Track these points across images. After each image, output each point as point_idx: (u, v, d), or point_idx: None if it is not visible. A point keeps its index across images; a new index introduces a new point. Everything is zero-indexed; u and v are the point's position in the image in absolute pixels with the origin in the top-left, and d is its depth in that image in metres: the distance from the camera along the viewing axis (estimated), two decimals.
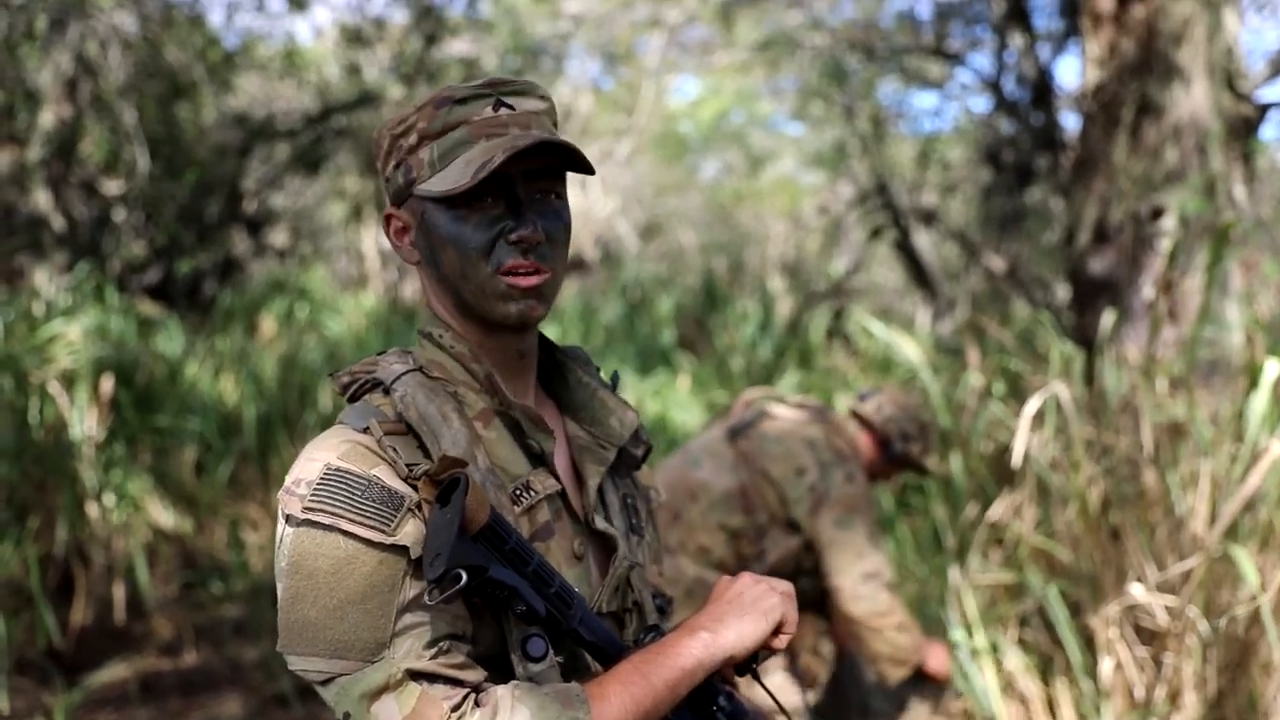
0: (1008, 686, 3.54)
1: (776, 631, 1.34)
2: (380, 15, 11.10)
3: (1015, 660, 3.51)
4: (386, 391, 1.31)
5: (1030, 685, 3.48)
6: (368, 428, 1.26)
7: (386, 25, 11.13)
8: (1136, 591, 3.16)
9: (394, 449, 1.24)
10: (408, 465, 1.23)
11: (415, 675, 1.18)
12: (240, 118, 9.94)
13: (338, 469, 1.21)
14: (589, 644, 1.28)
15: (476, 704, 1.19)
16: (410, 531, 1.20)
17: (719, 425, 3.31)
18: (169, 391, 6.28)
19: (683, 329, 10.79)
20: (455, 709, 1.17)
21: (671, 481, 3.11)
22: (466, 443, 1.28)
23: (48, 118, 8.11)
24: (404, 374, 1.31)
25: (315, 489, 1.20)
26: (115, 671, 4.65)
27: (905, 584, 4.49)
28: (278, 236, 12.14)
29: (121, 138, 8.63)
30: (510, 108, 1.34)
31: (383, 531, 1.19)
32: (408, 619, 1.19)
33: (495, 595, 1.20)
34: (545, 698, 1.19)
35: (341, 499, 1.20)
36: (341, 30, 10.90)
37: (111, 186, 8.82)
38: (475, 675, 1.21)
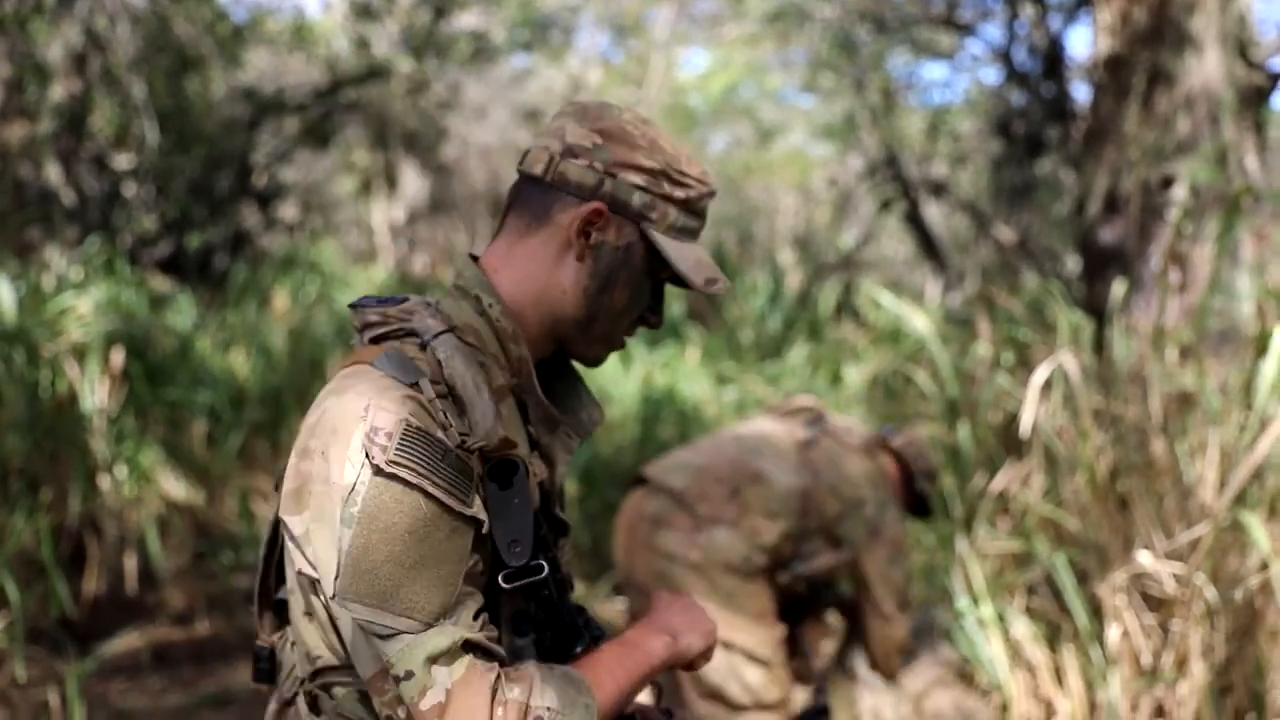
0: (1015, 655, 3.55)
1: (706, 654, 1.48)
2: None
3: (1022, 629, 3.52)
4: (423, 346, 1.31)
5: (1037, 653, 3.49)
6: (416, 384, 1.26)
7: None
8: (1144, 559, 3.16)
9: (445, 414, 1.26)
10: (460, 435, 1.25)
11: (467, 645, 1.22)
12: (249, 92, 9.92)
13: (419, 428, 1.22)
14: (565, 625, 1.37)
15: (510, 679, 1.23)
16: (479, 504, 1.25)
17: (775, 424, 3.34)
18: (180, 364, 6.30)
19: (692, 301, 10.77)
20: (495, 680, 1.22)
21: (732, 459, 3.14)
22: (493, 419, 1.30)
23: (57, 92, 8.11)
24: (441, 333, 1.32)
25: (401, 442, 1.20)
26: (128, 641, 4.69)
27: (912, 554, 4.50)
28: (288, 210, 12.14)
29: (131, 112, 8.62)
30: None
31: (462, 501, 1.22)
32: (466, 587, 1.24)
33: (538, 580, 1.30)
34: (562, 680, 1.26)
35: (426, 460, 1.21)
36: (350, 4, 10.87)
37: (121, 161, 8.82)
38: (500, 650, 1.26)
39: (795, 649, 3.40)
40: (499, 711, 1.20)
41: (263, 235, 10.52)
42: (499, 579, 1.26)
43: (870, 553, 3.19)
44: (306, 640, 1.29)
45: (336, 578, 1.21)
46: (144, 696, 4.34)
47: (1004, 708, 3.50)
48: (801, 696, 3.52)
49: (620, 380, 7.43)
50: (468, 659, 1.20)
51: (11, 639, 4.07)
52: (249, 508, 5.80)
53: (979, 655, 3.53)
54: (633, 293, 1.42)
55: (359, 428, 1.21)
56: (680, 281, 1.43)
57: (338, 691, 1.29)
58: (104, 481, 5.14)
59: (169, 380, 6.02)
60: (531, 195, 1.40)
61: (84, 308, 5.72)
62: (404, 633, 1.19)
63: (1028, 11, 7.86)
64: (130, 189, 8.85)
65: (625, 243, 1.39)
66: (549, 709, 1.22)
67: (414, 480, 1.20)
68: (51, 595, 4.51)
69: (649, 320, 1.47)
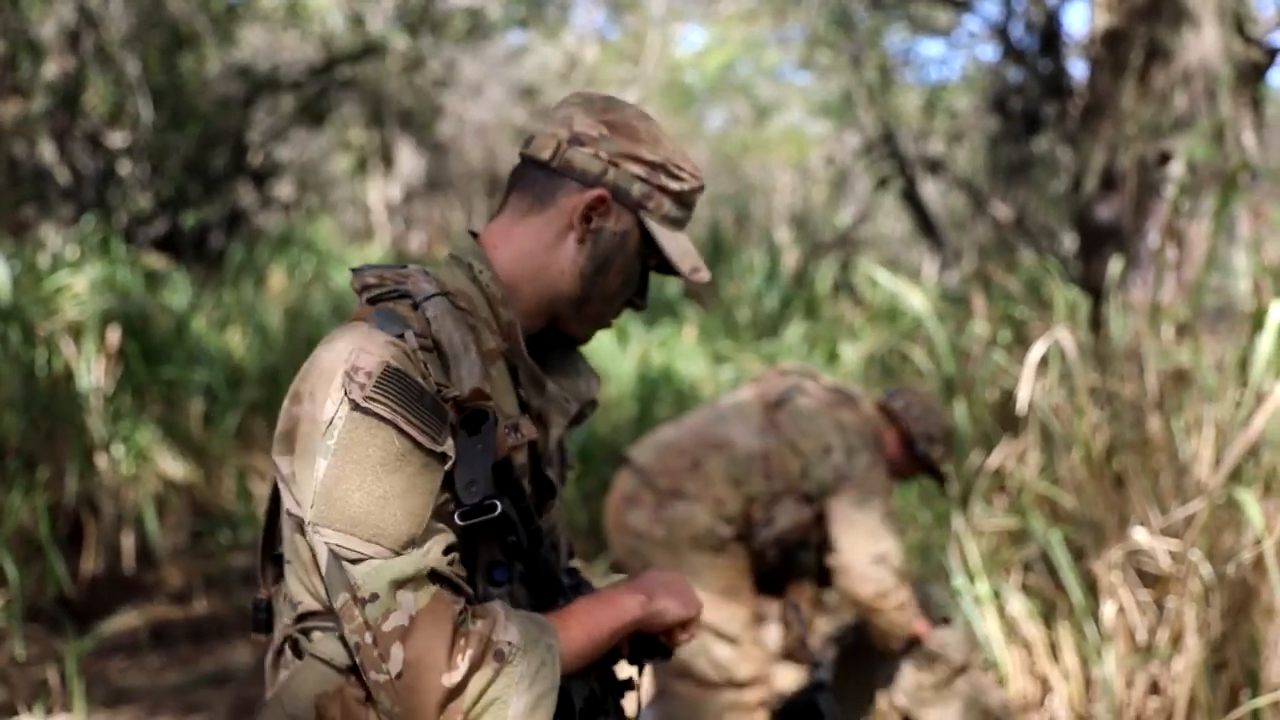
0: (1010, 632, 3.56)
1: (685, 626, 1.49)
2: None
3: (1018, 606, 3.54)
4: (415, 306, 1.37)
5: (1033, 630, 3.50)
6: (402, 335, 1.32)
7: None
8: (1139, 536, 3.17)
9: (425, 364, 1.32)
10: (437, 384, 1.32)
11: (434, 575, 1.26)
12: (244, 69, 9.88)
13: (397, 369, 1.29)
14: (542, 578, 1.42)
15: (475, 615, 1.28)
16: (450, 444, 1.30)
17: (751, 389, 3.32)
18: (176, 343, 6.29)
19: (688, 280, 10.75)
20: (460, 613, 1.26)
21: (696, 430, 3.14)
22: (480, 377, 1.37)
23: (51, 69, 8.08)
24: (433, 295, 1.38)
25: (378, 381, 1.28)
26: (126, 620, 4.70)
27: (908, 531, 4.50)
28: (283, 189, 12.10)
29: (125, 89, 8.59)
30: None
31: (434, 439, 1.28)
32: (435, 523, 1.28)
33: (496, 524, 1.33)
34: (527, 620, 1.31)
35: (401, 398, 1.28)
36: None
37: (116, 139, 8.78)
38: (468, 588, 1.30)
39: (789, 623, 3.39)
40: (460, 641, 1.25)
41: (258, 214, 10.49)
42: (455, 517, 1.30)
43: (836, 498, 3.09)
44: (290, 587, 1.36)
45: (312, 506, 1.28)
46: (142, 674, 4.35)
47: (1000, 684, 3.51)
48: (793, 674, 3.52)
49: (617, 359, 7.44)
50: (434, 589, 1.25)
51: (10, 617, 4.08)
52: (246, 486, 5.80)
53: (975, 632, 3.54)
54: (626, 277, 1.50)
55: (342, 368, 1.30)
56: (669, 269, 1.52)
57: (315, 635, 1.34)
58: (101, 460, 5.14)
59: (165, 359, 6.02)
60: (536, 178, 1.48)
61: (79, 286, 5.71)
62: (372, 558, 1.24)
63: None
64: (125, 167, 8.81)
65: (623, 229, 1.48)
66: (510, 644, 1.27)
67: (388, 415, 1.26)
68: (49, 574, 4.52)
69: (635, 303, 1.55)
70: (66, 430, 5.01)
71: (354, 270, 1.44)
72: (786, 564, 3.24)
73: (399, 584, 1.24)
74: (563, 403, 1.51)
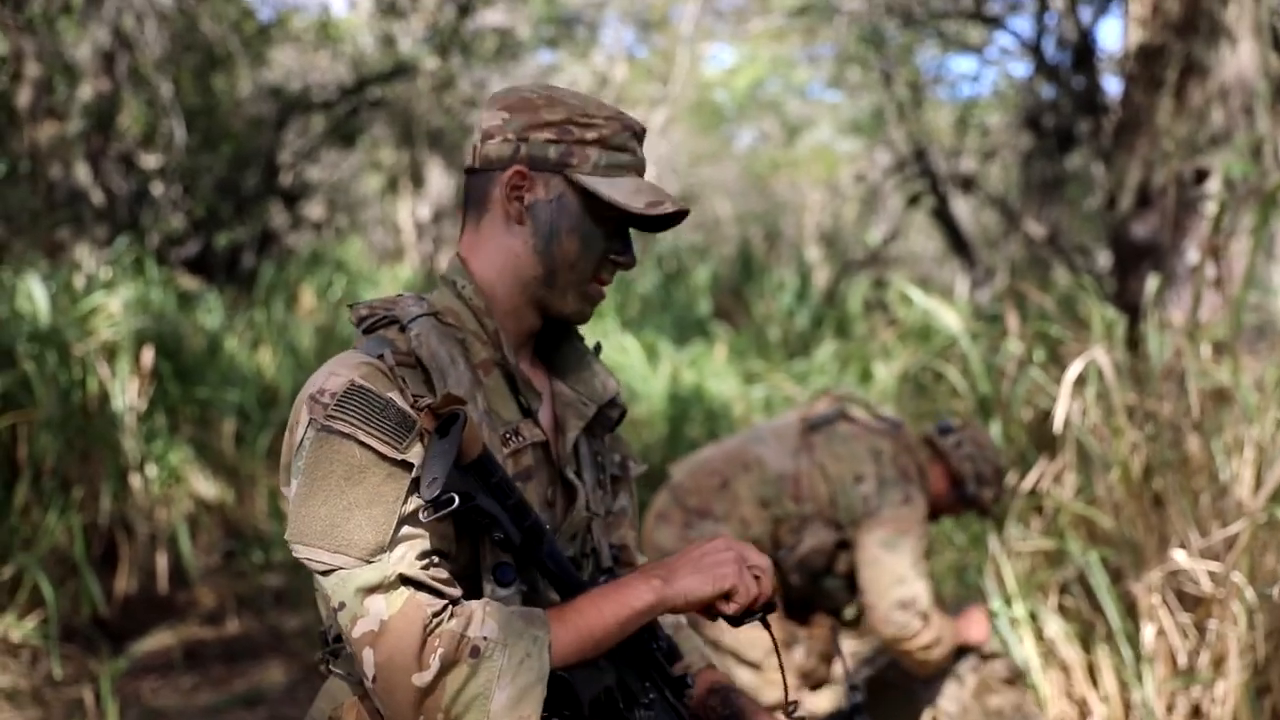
0: (1048, 654, 3.52)
1: (728, 597, 1.43)
2: None
3: (1056, 628, 3.49)
4: (402, 329, 1.43)
5: (1071, 653, 3.46)
6: (382, 355, 1.39)
7: None
8: (1179, 558, 3.13)
9: (404, 379, 1.37)
10: (414, 395, 1.36)
11: (405, 580, 1.30)
12: (276, 90, 9.95)
13: (360, 386, 1.35)
14: (552, 574, 1.42)
15: (453, 615, 1.30)
16: (418, 452, 1.33)
17: (797, 413, 3.29)
18: (209, 363, 6.32)
19: (719, 299, 10.76)
20: (435, 615, 1.29)
21: (730, 450, 3.13)
22: (469, 385, 1.43)
23: (86, 91, 8.15)
24: (420, 316, 1.44)
25: (339, 400, 1.34)
26: (160, 639, 4.72)
27: (944, 553, 4.46)
28: (314, 209, 12.18)
29: (159, 111, 8.66)
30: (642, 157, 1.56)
31: (395, 448, 1.32)
32: (406, 530, 1.31)
33: (478, 521, 1.35)
34: (511, 615, 1.33)
35: (362, 413, 1.33)
36: (376, 1, 10.89)
37: (149, 160, 8.86)
38: (455, 591, 1.33)
39: (824, 647, 3.35)
40: (433, 640, 1.28)
41: (289, 234, 10.55)
42: (418, 513, 1.31)
43: (864, 533, 3.02)
44: (321, 611, 1.43)
45: (288, 524, 1.34)
46: (175, 695, 4.36)
47: (1038, 707, 3.46)
48: (827, 697, 3.48)
49: (648, 378, 7.42)
50: (407, 593, 1.29)
51: (46, 637, 4.10)
52: (278, 507, 5.81)
53: (1012, 654, 3.50)
54: (581, 238, 1.50)
55: (311, 391, 1.37)
56: (649, 220, 1.52)
57: (340, 653, 1.44)
58: (135, 480, 5.16)
59: (198, 379, 6.05)
60: (473, 185, 1.54)
61: (114, 307, 5.74)
62: (340, 568, 1.29)
63: (1058, 3, 7.80)
64: (158, 188, 8.89)
65: (555, 195, 1.49)
66: (485, 638, 1.29)
67: (348, 430, 1.32)
68: (84, 594, 4.54)
69: (617, 261, 1.54)
70: (101, 450, 5.03)
71: (350, 306, 1.50)
72: (813, 590, 3.20)
73: (366, 591, 1.28)
74: (579, 405, 1.56)
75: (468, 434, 1.30)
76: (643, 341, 8.27)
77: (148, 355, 5.42)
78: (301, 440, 1.35)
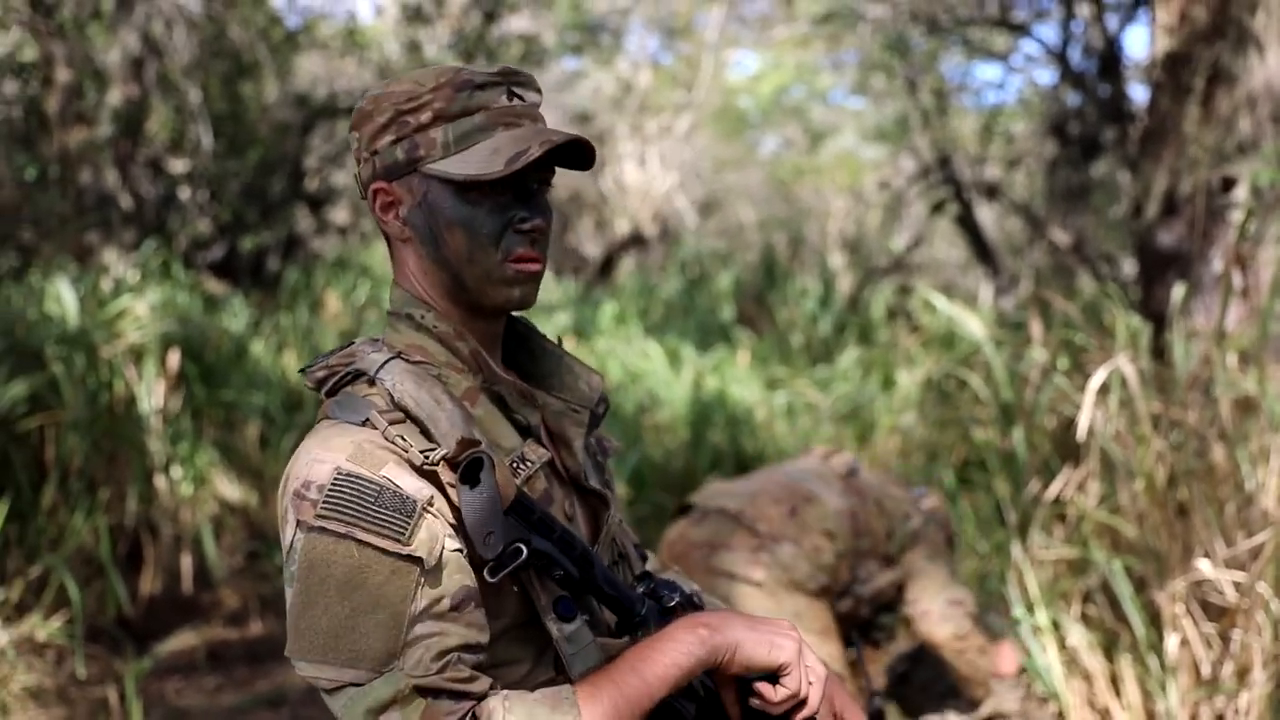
0: (1071, 663, 3.50)
1: (777, 678, 1.30)
2: None
3: (1078, 637, 3.47)
4: (371, 382, 1.30)
5: (1094, 662, 3.44)
6: (367, 420, 1.26)
7: (446, 2, 11.15)
8: (1204, 567, 3.11)
9: (402, 438, 1.24)
10: (422, 453, 1.23)
11: (421, 690, 1.17)
12: (302, 96, 10.01)
13: (349, 474, 1.21)
14: (609, 598, 1.32)
15: (474, 717, 1.19)
16: (424, 539, 1.20)
17: (808, 457, 3.37)
18: (234, 366, 6.37)
19: (742, 305, 10.75)
20: None
21: (783, 483, 3.14)
22: (464, 422, 1.27)
23: (115, 97, 8.23)
24: (386, 362, 1.31)
25: (328, 495, 1.20)
26: (184, 640, 4.75)
27: (966, 560, 4.45)
28: (339, 214, 12.22)
29: (186, 117, 8.73)
30: (521, 99, 1.36)
31: (397, 541, 1.19)
32: (419, 629, 1.19)
33: (536, 565, 1.24)
34: (534, 703, 1.20)
35: (355, 506, 1.19)
36: (402, 8, 10.94)
37: (177, 165, 8.93)
38: (479, 686, 1.20)
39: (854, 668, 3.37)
40: None
41: (314, 238, 10.61)
42: (485, 573, 1.21)
43: (909, 554, 3.20)
44: None
45: (288, 639, 1.22)
46: (199, 695, 4.38)
47: (1060, 716, 3.45)
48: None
49: (670, 384, 7.43)
50: (423, 704, 1.17)
51: (71, 637, 4.13)
52: None
53: (1035, 663, 3.49)
54: (463, 227, 1.33)
55: (294, 487, 1.23)
56: (482, 183, 1.32)
57: None
58: (160, 482, 5.20)
59: (224, 382, 6.09)
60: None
61: (141, 310, 5.79)
62: (350, 684, 1.18)
63: (1084, 11, 7.78)
64: (185, 193, 8.95)
65: (420, 196, 1.34)
66: None
67: (342, 530, 1.19)
68: (110, 594, 4.58)
69: (521, 227, 1.34)
70: (127, 452, 5.07)
71: (302, 370, 1.37)
72: (870, 623, 3.28)
73: (377, 711, 1.17)
74: (572, 414, 1.44)
75: (500, 475, 1.20)
76: (665, 347, 8.27)
77: (174, 358, 5.46)
78: (292, 543, 1.22)
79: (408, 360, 1.32)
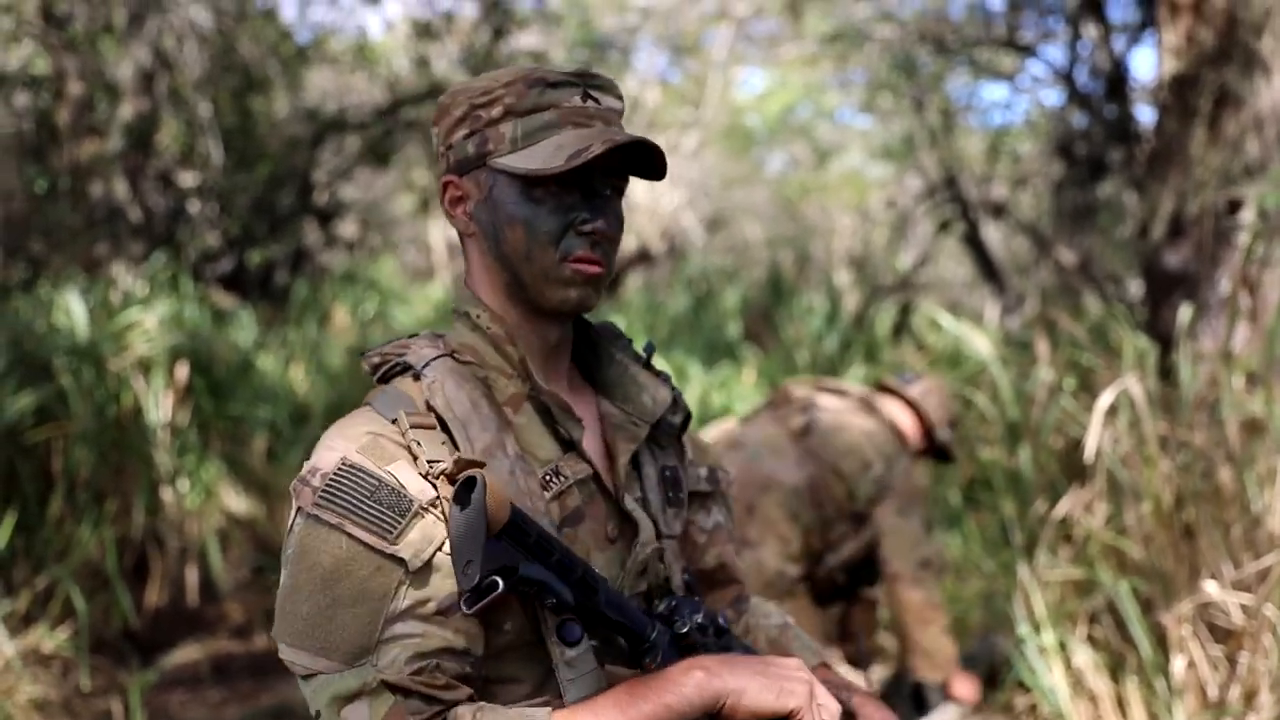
0: (1077, 684, 3.50)
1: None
2: (449, 9, 11.18)
3: (1084, 658, 3.47)
4: (417, 377, 1.30)
5: (1100, 683, 3.43)
6: (396, 418, 1.25)
7: (455, 19, 11.20)
8: (1211, 589, 3.11)
9: (418, 442, 1.23)
10: (429, 461, 1.22)
11: (391, 688, 1.17)
12: (312, 111, 10.05)
13: (353, 465, 1.21)
14: (614, 624, 1.27)
15: None
16: (414, 540, 1.19)
17: (769, 419, 3.31)
18: (242, 380, 6.38)
19: (748, 322, 10.75)
20: None
21: (738, 475, 3.12)
22: (495, 430, 1.27)
23: (126, 110, 8.27)
24: (434, 359, 1.31)
25: (328, 484, 1.20)
26: (188, 653, 4.75)
27: (972, 580, 4.45)
28: (348, 228, 12.26)
29: (196, 130, 8.77)
30: (596, 101, 1.34)
31: (385, 539, 1.18)
32: (398, 628, 1.18)
33: (525, 591, 1.20)
34: (507, 717, 1.19)
35: (350, 499, 1.19)
36: (412, 24, 10.99)
37: (187, 178, 8.96)
38: (455, 694, 1.19)
39: (844, 632, 3.37)
40: None
41: (323, 252, 10.63)
42: (461, 604, 1.18)
43: (879, 508, 3.15)
44: None
45: (275, 619, 1.23)
46: (203, 708, 4.38)
47: None
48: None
49: None
50: (390, 701, 1.16)
51: (76, 648, 4.14)
52: None
53: (1040, 684, 3.48)
54: (523, 224, 1.31)
55: (304, 470, 1.24)
56: (547, 180, 1.31)
57: None
58: (167, 494, 5.21)
59: (231, 395, 6.10)
60: None
61: (149, 323, 5.81)
62: (320, 673, 1.18)
63: (1091, 32, 7.79)
64: (195, 206, 8.98)
65: (486, 191, 1.34)
66: None
67: (334, 521, 1.19)
68: (115, 606, 4.58)
69: (583, 229, 1.31)
70: (135, 464, 5.09)
71: (360, 354, 1.38)
72: (853, 585, 3.25)
73: (343, 700, 1.17)
74: (629, 426, 1.40)
75: (492, 499, 1.14)
76: (672, 363, 8.28)
77: (182, 371, 5.47)
78: (291, 526, 1.23)
79: (458, 359, 1.32)
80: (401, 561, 1.18)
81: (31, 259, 7.61)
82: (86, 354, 5.19)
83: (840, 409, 3.26)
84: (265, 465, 6.07)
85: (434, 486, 1.22)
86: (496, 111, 1.31)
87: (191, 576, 5.16)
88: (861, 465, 3.13)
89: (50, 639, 4.12)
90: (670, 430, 1.47)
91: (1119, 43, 7.80)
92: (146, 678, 4.19)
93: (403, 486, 1.21)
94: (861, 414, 3.26)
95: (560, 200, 1.31)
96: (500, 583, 1.15)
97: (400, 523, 1.19)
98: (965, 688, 3.34)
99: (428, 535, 1.20)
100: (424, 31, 10.74)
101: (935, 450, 3.47)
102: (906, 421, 3.37)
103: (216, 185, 8.92)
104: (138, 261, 8.06)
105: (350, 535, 1.18)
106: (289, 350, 7.50)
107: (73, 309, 5.53)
